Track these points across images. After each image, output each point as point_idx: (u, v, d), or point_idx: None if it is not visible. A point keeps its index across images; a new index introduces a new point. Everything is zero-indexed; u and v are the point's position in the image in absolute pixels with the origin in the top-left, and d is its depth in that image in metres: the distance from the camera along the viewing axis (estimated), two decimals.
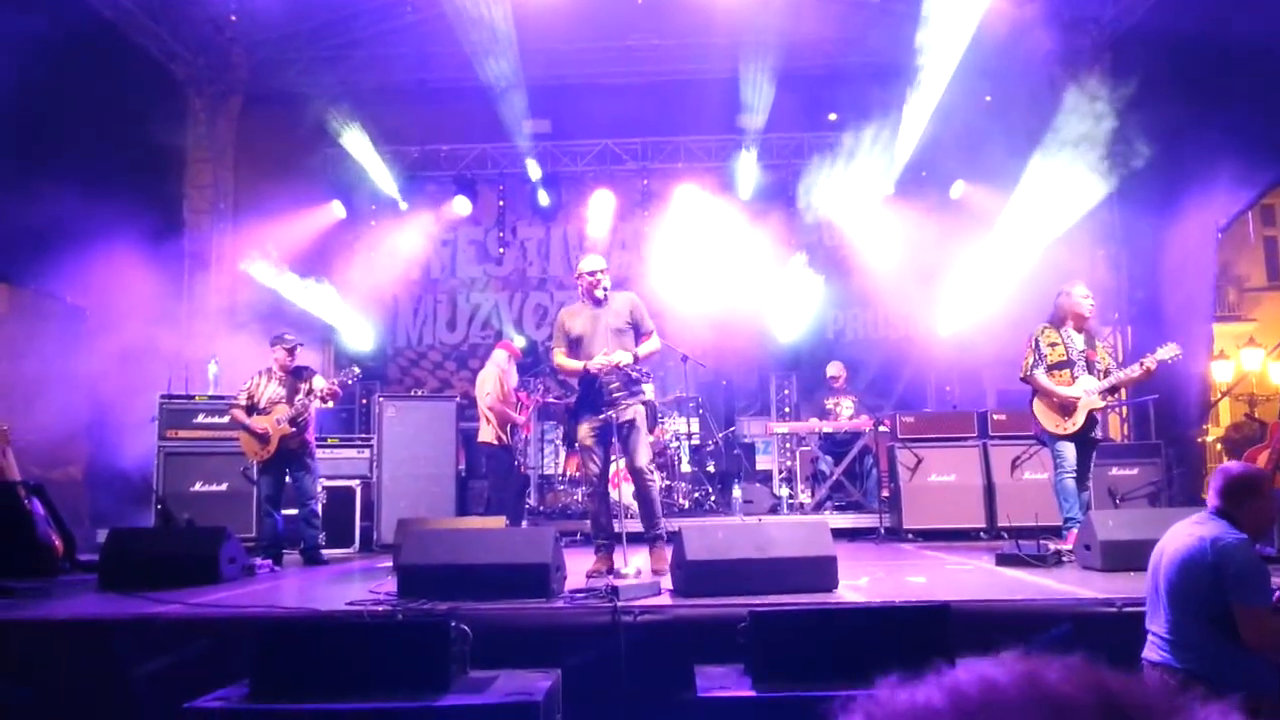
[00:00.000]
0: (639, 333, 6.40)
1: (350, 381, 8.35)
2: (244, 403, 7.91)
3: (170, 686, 4.06)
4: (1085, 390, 6.75)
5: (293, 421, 7.80)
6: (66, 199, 9.75)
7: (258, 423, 7.78)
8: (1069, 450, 6.77)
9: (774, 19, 11.62)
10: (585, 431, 6.26)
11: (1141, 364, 6.70)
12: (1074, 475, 6.77)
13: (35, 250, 9.90)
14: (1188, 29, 9.85)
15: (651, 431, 6.78)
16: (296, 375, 8.07)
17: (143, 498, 9.46)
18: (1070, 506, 6.71)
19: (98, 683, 4.41)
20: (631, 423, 6.20)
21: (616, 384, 6.17)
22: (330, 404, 8.20)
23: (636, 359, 6.23)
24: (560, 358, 6.43)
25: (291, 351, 8.10)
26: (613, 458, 6.39)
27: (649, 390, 6.58)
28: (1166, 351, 6.64)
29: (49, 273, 10.15)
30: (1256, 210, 12.12)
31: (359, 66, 13.18)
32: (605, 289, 6.37)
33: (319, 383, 8.00)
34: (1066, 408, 6.77)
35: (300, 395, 7.87)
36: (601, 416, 6.15)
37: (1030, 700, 0.67)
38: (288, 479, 7.96)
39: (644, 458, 6.27)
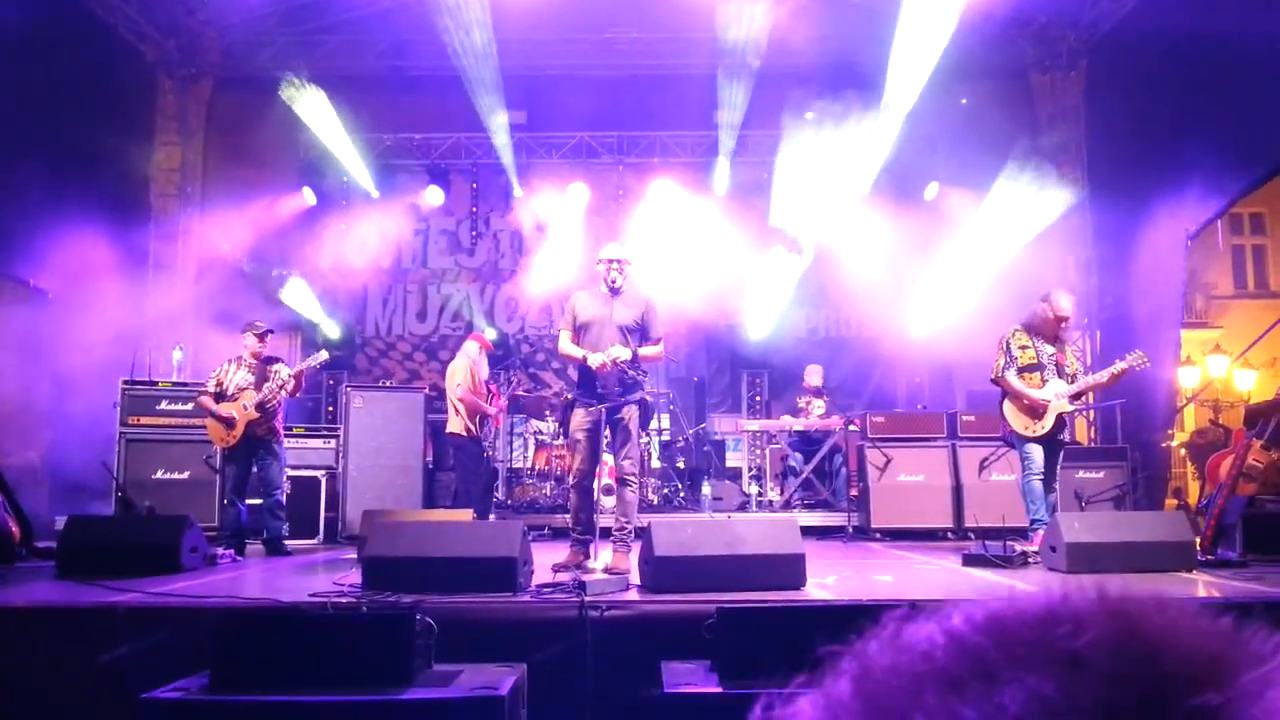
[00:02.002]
0: (647, 337, 6.32)
1: (317, 365, 8.21)
2: (213, 390, 7.76)
3: (129, 676, 4.00)
4: (1055, 394, 6.78)
5: (260, 407, 7.68)
6: (31, 181, 9.60)
7: (224, 408, 7.66)
8: (1037, 452, 6.80)
9: (753, 16, 11.61)
10: (578, 423, 6.19)
11: (1110, 371, 6.76)
12: (1041, 477, 6.79)
13: None
14: (1162, 39, 9.93)
15: (645, 429, 6.71)
16: (266, 363, 7.96)
17: (103, 485, 9.31)
18: (1037, 508, 6.74)
19: (55, 672, 4.33)
20: (624, 423, 6.17)
21: (614, 380, 6.12)
22: (296, 393, 8.10)
23: (636, 358, 6.15)
24: (565, 341, 6.36)
25: (262, 337, 7.95)
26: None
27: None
28: (1134, 359, 6.70)
29: (11, 256, 9.98)
30: (1225, 219, 12.25)
31: (333, 52, 13.06)
32: (617, 279, 6.25)
33: (284, 371, 7.89)
34: (1036, 410, 6.80)
35: (269, 382, 7.76)
36: (595, 409, 6.10)
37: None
38: (254, 468, 7.85)
39: (631, 460, 6.26)
